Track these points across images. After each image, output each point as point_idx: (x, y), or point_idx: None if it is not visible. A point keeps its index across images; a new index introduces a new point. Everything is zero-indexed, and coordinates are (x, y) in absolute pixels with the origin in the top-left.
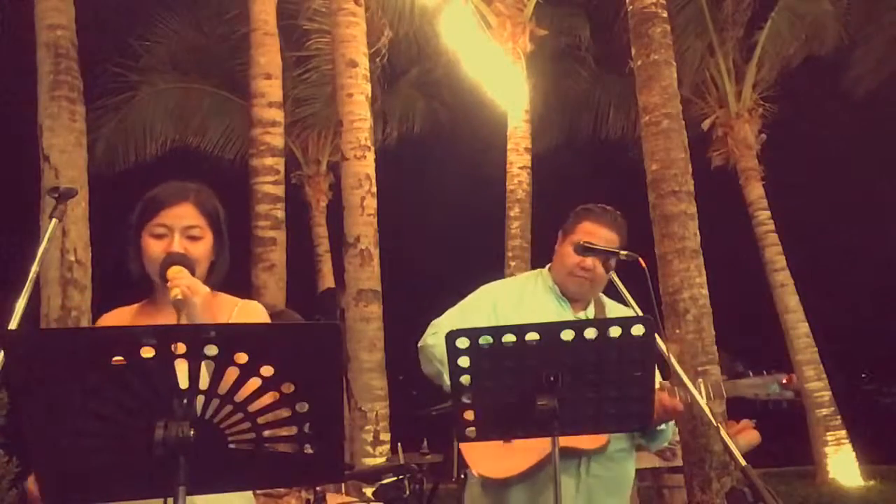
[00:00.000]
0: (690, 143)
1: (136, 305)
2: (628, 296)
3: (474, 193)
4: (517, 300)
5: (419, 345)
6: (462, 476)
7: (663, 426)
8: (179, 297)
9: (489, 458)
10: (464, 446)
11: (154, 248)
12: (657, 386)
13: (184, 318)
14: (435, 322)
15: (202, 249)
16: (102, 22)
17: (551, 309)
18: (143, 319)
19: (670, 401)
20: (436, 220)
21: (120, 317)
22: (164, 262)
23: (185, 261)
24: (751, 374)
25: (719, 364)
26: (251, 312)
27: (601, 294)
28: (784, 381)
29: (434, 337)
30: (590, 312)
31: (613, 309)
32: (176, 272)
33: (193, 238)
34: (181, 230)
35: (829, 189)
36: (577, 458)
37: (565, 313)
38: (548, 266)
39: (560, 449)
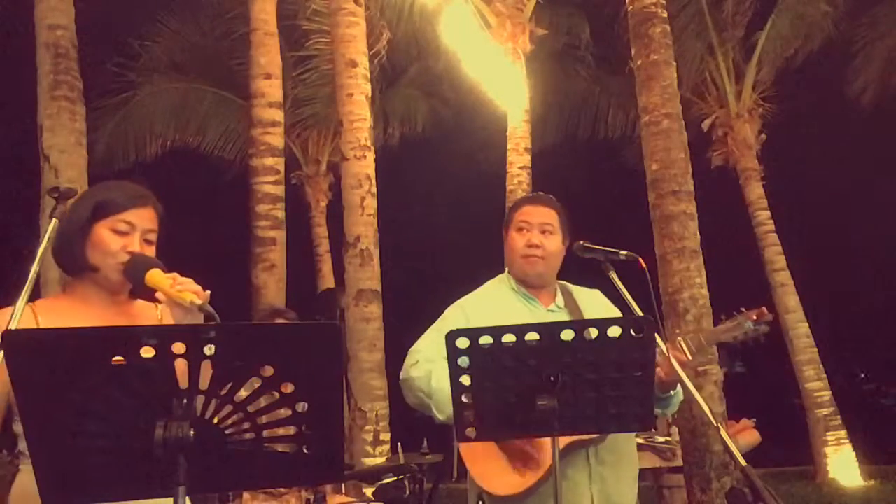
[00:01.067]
0: (690, 143)
1: (37, 302)
2: (628, 296)
3: (474, 193)
4: (488, 309)
5: (401, 378)
6: (480, 502)
7: (673, 392)
8: (199, 301)
9: (497, 476)
10: (471, 464)
11: (114, 242)
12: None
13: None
14: (413, 350)
15: (152, 254)
16: (102, 22)
17: (520, 309)
18: (67, 316)
19: (677, 354)
20: (436, 219)
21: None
22: (134, 263)
23: (156, 262)
24: (723, 318)
25: (719, 364)
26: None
27: (567, 283)
28: (754, 317)
29: (415, 368)
30: (559, 302)
31: (583, 296)
32: (170, 276)
33: (149, 242)
34: (142, 232)
35: (829, 189)
36: (584, 449)
37: (536, 310)
38: (507, 270)
39: (567, 445)
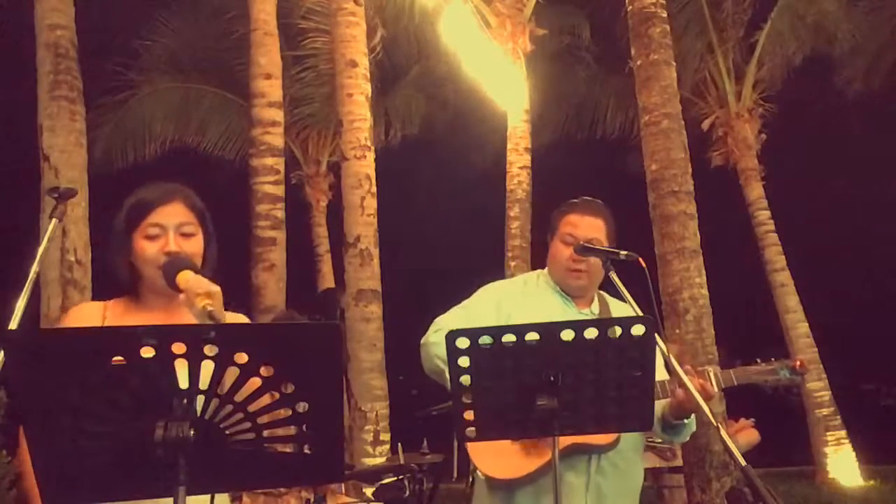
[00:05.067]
0: (690, 143)
1: (110, 301)
2: (628, 296)
3: (474, 193)
4: (521, 299)
5: (422, 342)
6: (471, 479)
7: (687, 420)
8: (210, 308)
9: (496, 459)
10: (470, 446)
11: (149, 248)
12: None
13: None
14: (438, 319)
15: (196, 246)
16: (102, 22)
17: (556, 306)
18: (128, 318)
19: (701, 383)
20: (436, 220)
21: (90, 312)
22: (170, 265)
23: (189, 263)
24: (759, 360)
25: (719, 364)
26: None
27: (604, 293)
28: (795, 365)
29: (437, 335)
30: (594, 309)
31: (617, 308)
32: (192, 280)
33: (186, 235)
34: (175, 228)
35: (829, 189)
36: (586, 455)
37: (570, 310)
38: (546, 269)
39: (571, 445)
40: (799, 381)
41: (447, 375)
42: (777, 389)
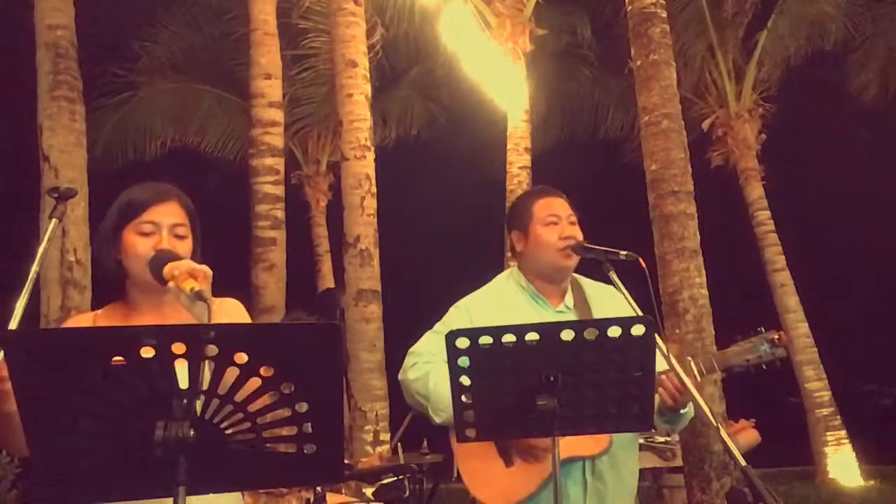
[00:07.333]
0: (690, 143)
1: (100, 311)
2: (628, 296)
3: (474, 193)
4: (492, 309)
5: (400, 377)
6: None
7: (683, 410)
8: (198, 288)
9: (491, 485)
10: (465, 473)
11: (142, 245)
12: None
13: (202, 313)
14: (411, 352)
15: (187, 248)
16: (102, 22)
17: (527, 310)
18: (117, 321)
19: (675, 384)
20: (436, 220)
21: (83, 322)
22: (157, 259)
23: (177, 257)
24: (739, 338)
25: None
26: (230, 310)
27: (577, 276)
28: (774, 338)
29: (414, 370)
30: (568, 302)
31: (594, 291)
32: (175, 265)
33: (179, 237)
34: (169, 228)
35: (829, 189)
36: (580, 462)
37: (544, 311)
38: (515, 266)
39: (565, 459)
40: (781, 353)
41: (430, 412)
42: (760, 367)
